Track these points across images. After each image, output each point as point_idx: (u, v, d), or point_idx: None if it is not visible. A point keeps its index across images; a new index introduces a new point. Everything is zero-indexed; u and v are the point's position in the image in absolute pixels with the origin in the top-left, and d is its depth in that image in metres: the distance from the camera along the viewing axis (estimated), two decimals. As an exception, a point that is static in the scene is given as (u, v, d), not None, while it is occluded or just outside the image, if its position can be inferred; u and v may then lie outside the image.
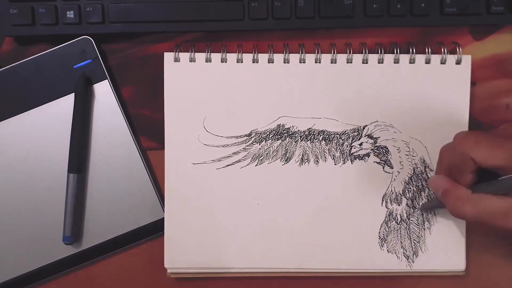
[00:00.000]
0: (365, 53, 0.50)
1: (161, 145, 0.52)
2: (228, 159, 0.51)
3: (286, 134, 0.51)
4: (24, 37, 0.52)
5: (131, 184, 0.52)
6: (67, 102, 0.51)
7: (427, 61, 0.51)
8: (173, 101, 0.51)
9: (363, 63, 0.51)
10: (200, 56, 0.51)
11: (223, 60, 0.51)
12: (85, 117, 0.51)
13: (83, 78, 0.51)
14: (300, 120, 0.51)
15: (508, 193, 0.41)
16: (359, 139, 0.51)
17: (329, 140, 0.51)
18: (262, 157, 0.51)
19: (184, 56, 0.51)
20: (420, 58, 0.51)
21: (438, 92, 0.51)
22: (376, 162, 0.51)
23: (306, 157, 0.51)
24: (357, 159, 0.51)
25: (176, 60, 0.51)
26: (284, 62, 0.51)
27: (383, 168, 0.51)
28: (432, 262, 0.51)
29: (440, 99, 0.51)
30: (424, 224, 0.51)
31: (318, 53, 0.51)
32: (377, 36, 0.53)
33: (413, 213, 0.51)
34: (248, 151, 0.51)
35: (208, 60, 0.51)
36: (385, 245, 0.51)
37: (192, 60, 0.51)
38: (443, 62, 0.51)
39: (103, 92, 0.52)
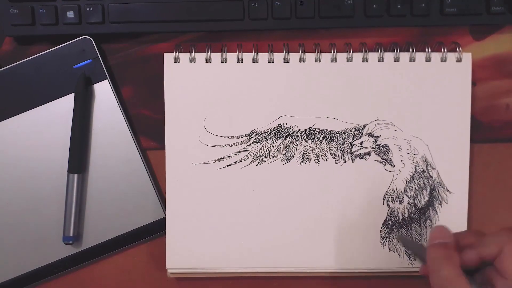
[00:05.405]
0: (365, 52, 0.50)
1: (161, 145, 0.51)
2: (228, 159, 0.51)
3: (286, 134, 0.51)
4: (24, 37, 0.52)
5: (131, 184, 0.52)
6: (67, 102, 0.51)
7: (428, 59, 0.51)
8: (173, 101, 0.51)
9: (363, 62, 0.51)
10: (200, 56, 0.51)
11: (223, 60, 0.51)
12: (85, 117, 0.51)
13: (83, 78, 0.51)
14: (301, 119, 0.51)
15: None
16: (359, 138, 0.51)
17: (330, 139, 0.51)
18: (262, 157, 0.51)
19: (184, 56, 0.51)
20: (420, 56, 0.51)
21: (439, 90, 0.51)
22: (377, 161, 0.51)
23: (307, 157, 0.51)
24: (358, 158, 0.51)
25: (176, 60, 0.51)
26: (284, 62, 0.51)
27: (384, 166, 0.51)
28: (434, 262, 0.51)
29: (441, 97, 0.51)
30: (426, 222, 0.51)
31: (318, 52, 0.51)
32: (377, 36, 0.53)
33: (415, 211, 0.51)
34: (248, 151, 0.51)
35: (208, 60, 0.51)
36: (386, 243, 0.51)
37: (192, 60, 0.51)
38: (443, 60, 0.51)
39: (103, 92, 0.52)
